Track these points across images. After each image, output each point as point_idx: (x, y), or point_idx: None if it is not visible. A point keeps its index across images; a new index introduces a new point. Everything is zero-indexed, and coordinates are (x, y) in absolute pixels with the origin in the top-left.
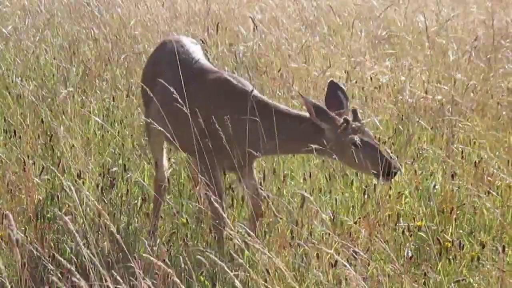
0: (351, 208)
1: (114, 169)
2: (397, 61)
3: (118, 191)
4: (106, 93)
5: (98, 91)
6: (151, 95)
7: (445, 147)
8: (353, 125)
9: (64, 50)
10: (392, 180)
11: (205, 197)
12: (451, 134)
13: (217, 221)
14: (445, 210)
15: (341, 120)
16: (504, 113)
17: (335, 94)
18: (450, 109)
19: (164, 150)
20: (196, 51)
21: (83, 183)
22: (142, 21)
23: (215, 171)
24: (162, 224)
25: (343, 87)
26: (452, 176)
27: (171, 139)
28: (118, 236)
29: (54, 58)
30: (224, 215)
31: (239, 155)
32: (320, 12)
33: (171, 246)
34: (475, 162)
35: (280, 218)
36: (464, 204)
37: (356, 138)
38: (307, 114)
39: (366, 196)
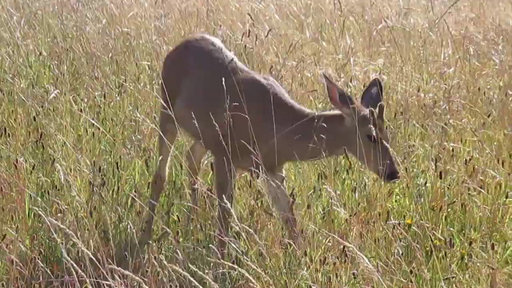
0: (342, 206)
1: (105, 166)
2: (390, 58)
3: (109, 189)
4: (97, 91)
5: (89, 89)
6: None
7: (436, 145)
8: (375, 119)
9: (54, 47)
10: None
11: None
12: (443, 132)
13: (223, 218)
14: (435, 207)
15: (364, 110)
16: (493, 111)
17: (371, 90)
18: (442, 107)
19: (171, 153)
20: (226, 50)
21: (74, 180)
22: (134, 17)
23: (230, 171)
24: (154, 222)
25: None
26: (441, 174)
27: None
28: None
29: (44, 55)
30: (232, 212)
31: (263, 157)
32: (311, 10)
33: (161, 244)
34: (465, 160)
35: (271, 215)
36: (454, 201)
37: (373, 131)
38: (326, 113)
39: (357, 194)
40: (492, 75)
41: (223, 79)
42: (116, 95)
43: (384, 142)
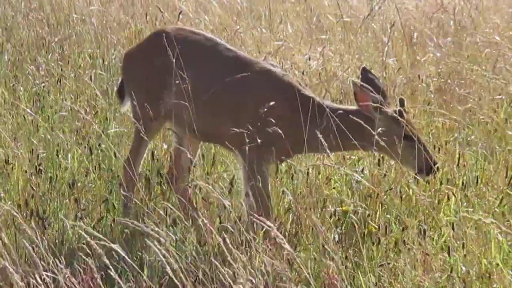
0: (281, 193)
1: (43, 154)
2: (330, 46)
3: (47, 177)
4: (37, 79)
5: (29, 77)
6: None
7: None
8: (405, 117)
9: None
10: (432, 177)
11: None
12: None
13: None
14: (372, 195)
15: (392, 111)
16: (432, 98)
17: (368, 80)
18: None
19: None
20: (215, 37)
21: (12, 168)
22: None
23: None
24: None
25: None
26: (379, 161)
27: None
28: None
29: None
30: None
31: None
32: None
33: (99, 231)
34: None
35: (210, 203)
36: (391, 189)
37: (407, 131)
38: (352, 107)
39: (295, 181)
40: (431, 63)
41: (248, 72)
42: (56, 83)
43: (420, 138)
